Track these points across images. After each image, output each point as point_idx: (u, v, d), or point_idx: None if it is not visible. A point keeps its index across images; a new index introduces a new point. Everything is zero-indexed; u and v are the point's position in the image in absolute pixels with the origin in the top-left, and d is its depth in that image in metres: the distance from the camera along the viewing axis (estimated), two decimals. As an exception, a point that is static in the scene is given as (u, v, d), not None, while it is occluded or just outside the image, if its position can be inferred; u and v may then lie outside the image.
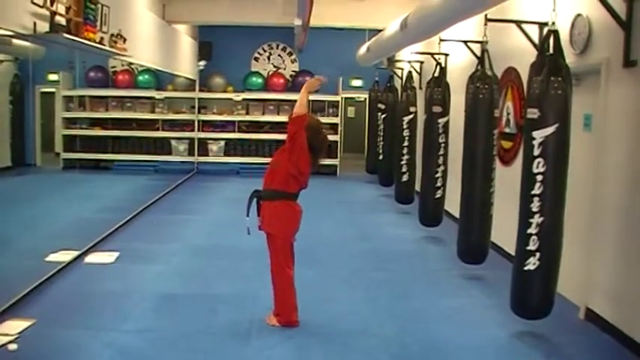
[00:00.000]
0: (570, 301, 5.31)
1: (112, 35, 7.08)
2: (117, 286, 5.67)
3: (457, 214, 6.32)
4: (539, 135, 4.30)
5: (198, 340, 4.51)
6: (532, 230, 4.35)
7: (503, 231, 6.23)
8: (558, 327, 4.80)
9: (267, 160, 5.13)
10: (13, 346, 4.22)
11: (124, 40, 7.40)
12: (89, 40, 6.16)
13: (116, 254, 6.68)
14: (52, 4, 5.36)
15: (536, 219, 4.33)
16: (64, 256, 6.36)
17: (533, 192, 4.33)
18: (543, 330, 4.76)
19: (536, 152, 4.30)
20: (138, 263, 6.42)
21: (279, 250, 4.58)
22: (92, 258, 6.58)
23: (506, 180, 6.18)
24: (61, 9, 5.57)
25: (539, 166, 4.28)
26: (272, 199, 4.54)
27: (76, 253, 6.49)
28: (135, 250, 6.93)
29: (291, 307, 4.66)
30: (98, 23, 6.46)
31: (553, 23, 4.36)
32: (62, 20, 5.60)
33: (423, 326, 4.92)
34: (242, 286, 5.74)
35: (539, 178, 4.29)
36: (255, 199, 4.61)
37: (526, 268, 4.42)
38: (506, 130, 6.84)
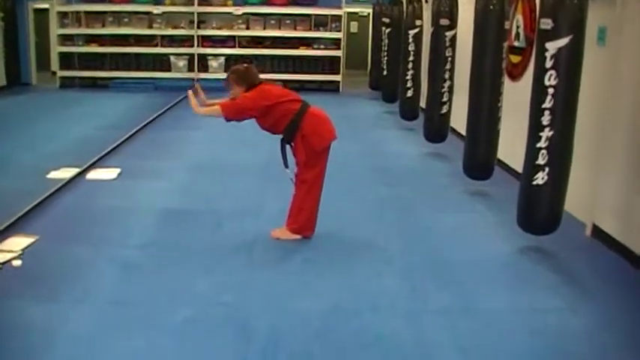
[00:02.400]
0: (577, 218, 5.28)
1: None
2: (120, 202, 5.66)
3: (463, 131, 6.25)
4: (552, 47, 4.15)
5: (203, 255, 4.51)
6: (542, 144, 4.29)
7: (510, 147, 6.18)
8: (564, 243, 4.78)
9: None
10: (17, 262, 4.24)
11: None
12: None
13: (118, 171, 6.66)
14: None
15: (546, 132, 4.25)
16: (66, 173, 6.35)
17: (544, 105, 4.23)
18: (549, 246, 4.75)
19: (549, 64, 4.17)
20: (140, 180, 6.40)
21: (320, 158, 4.55)
22: (94, 175, 6.56)
23: (514, 95, 6.04)
24: None
25: (551, 79, 4.16)
26: (294, 135, 4.51)
27: (77, 170, 6.47)
28: (137, 166, 6.91)
29: (312, 222, 4.71)
30: None
31: None
32: None
33: (428, 241, 4.93)
34: (246, 201, 5.72)
35: (551, 91, 4.17)
36: (286, 146, 4.62)
37: (534, 182, 4.37)
38: (516, 43, 6.67)
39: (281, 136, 4.59)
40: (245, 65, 4.54)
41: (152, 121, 9.66)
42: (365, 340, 3.42)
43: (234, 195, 5.90)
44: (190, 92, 4.52)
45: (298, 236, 4.78)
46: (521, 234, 4.73)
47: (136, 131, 8.72)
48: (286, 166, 4.55)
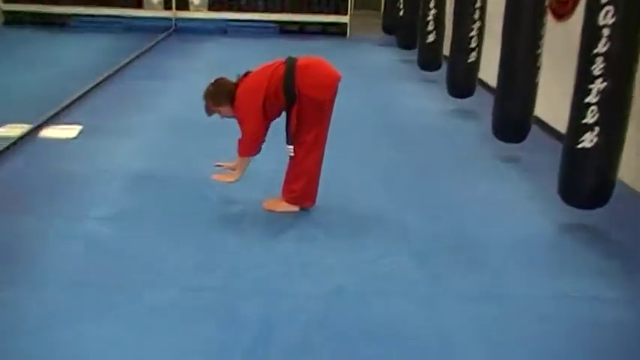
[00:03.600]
0: (633, 188, 5.28)
1: None
2: (81, 165, 5.63)
3: (494, 84, 6.17)
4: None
5: (181, 230, 4.50)
6: (591, 99, 4.22)
7: (550, 103, 6.14)
8: (617, 220, 4.75)
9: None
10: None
11: None
12: None
13: (78, 128, 6.61)
14: None
15: (598, 84, 4.18)
16: (13, 131, 6.28)
17: (596, 50, 4.14)
18: (598, 223, 4.72)
19: (605, -2, 4.06)
20: (105, 138, 6.35)
21: (324, 113, 4.58)
22: (49, 132, 6.52)
23: (559, 39, 6.00)
24: None
25: (607, 17, 4.06)
26: (295, 100, 4.51)
27: (28, 127, 6.39)
28: (101, 123, 6.86)
29: (313, 191, 4.75)
30: None
31: None
32: None
33: (450, 216, 4.91)
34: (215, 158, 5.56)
35: (606, 32, 4.08)
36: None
37: (580, 145, 4.32)
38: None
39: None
40: (211, 82, 4.61)
41: (121, 68, 9.54)
42: (373, 330, 3.42)
43: (219, 156, 5.64)
44: (217, 176, 4.68)
45: (296, 208, 4.78)
46: (563, 208, 4.70)
47: (101, 81, 8.62)
48: (289, 142, 4.58)
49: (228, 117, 4.57)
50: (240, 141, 4.54)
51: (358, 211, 4.94)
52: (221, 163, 4.73)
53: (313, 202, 4.81)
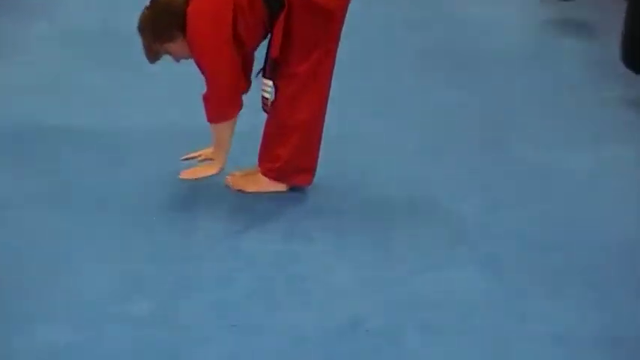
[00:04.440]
0: None
1: None
2: None
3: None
4: None
5: (95, 220, 3.77)
6: None
7: None
8: None
9: None
10: None
11: None
12: None
13: None
14: None
15: None
16: None
17: None
18: None
19: None
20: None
21: (329, 30, 3.96)
22: None
23: None
24: None
25: None
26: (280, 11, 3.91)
27: None
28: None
29: (310, 157, 4.14)
30: None
31: None
32: None
33: (538, 199, 4.15)
34: (175, 109, 4.95)
35: None
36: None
37: None
38: None
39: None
40: (146, 5, 3.98)
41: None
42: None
43: (141, 98, 5.19)
44: (187, 173, 4.09)
45: (282, 187, 4.06)
46: None
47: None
48: (265, 74, 3.95)
49: (186, 59, 3.99)
50: (206, 98, 3.88)
51: (386, 194, 4.19)
52: (192, 155, 4.11)
53: (310, 177, 4.10)
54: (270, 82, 3.87)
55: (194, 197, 4.07)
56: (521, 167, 4.54)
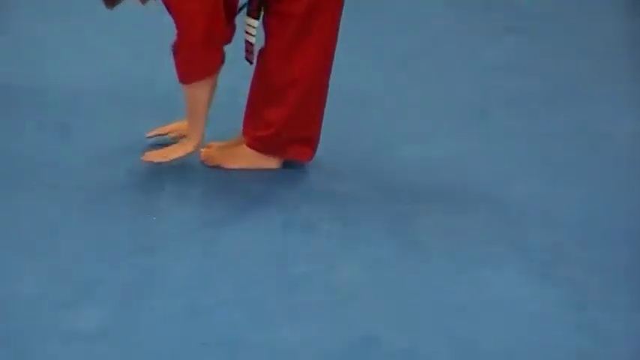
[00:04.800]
0: None
1: None
2: None
3: None
4: None
5: (27, 203, 3.40)
6: None
7: None
8: None
9: None
10: None
11: None
12: None
13: None
14: None
15: None
16: None
17: None
18: None
19: None
20: None
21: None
22: None
23: None
24: None
25: None
26: None
27: None
28: None
29: (310, 124, 3.78)
30: None
31: None
32: None
33: (612, 198, 3.67)
34: (118, 70, 4.60)
35: None
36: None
37: None
38: None
39: None
40: None
41: None
42: None
43: (110, 52, 4.93)
44: (152, 155, 3.71)
45: (274, 162, 3.68)
46: None
47: None
48: (250, 12, 3.58)
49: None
50: (176, 49, 3.50)
51: (405, 173, 3.83)
52: (161, 130, 3.82)
53: (311, 151, 3.73)
54: (256, 23, 3.45)
55: (159, 176, 3.67)
56: (582, 140, 4.17)
